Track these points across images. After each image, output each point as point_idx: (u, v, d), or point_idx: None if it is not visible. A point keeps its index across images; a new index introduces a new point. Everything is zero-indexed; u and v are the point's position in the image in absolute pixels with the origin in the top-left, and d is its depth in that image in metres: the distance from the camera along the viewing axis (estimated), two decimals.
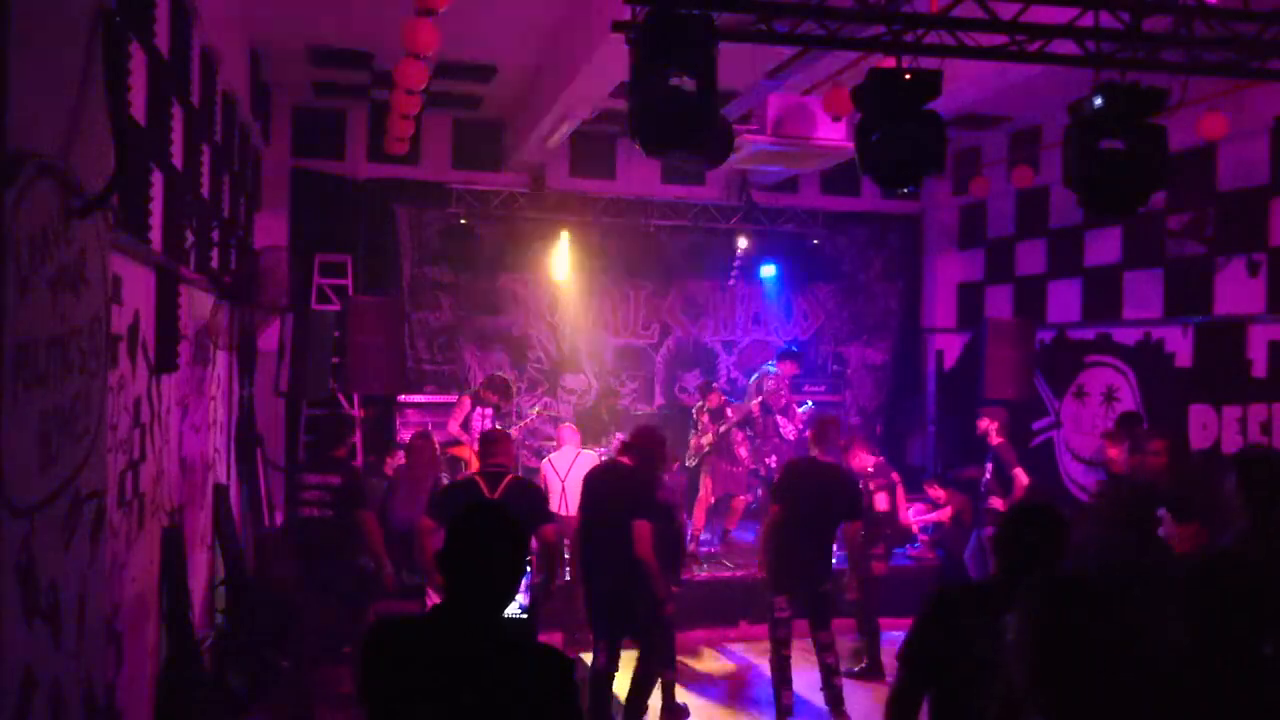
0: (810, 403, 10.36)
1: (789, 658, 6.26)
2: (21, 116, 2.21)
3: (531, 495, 5.75)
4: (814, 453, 6.48)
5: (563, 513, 7.82)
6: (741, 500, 9.64)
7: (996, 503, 7.83)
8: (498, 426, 9.62)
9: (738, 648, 7.83)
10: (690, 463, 9.64)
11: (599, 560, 5.76)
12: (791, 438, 9.74)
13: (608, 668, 5.80)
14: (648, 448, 5.84)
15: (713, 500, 9.58)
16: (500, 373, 10.14)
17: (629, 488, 5.73)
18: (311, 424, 10.06)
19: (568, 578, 6.33)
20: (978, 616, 2.95)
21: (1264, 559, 2.57)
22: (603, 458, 9.17)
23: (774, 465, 9.77)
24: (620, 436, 10.54)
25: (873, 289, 12.37)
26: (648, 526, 5.60)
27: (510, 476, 5.74)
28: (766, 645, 7.80)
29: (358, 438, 9.93)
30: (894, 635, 2.80)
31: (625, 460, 5.91)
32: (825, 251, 12.12)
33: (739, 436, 9.75)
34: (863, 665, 7.18)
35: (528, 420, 10.33)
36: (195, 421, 6.07)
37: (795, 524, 6.24)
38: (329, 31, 7.95)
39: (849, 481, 6.55)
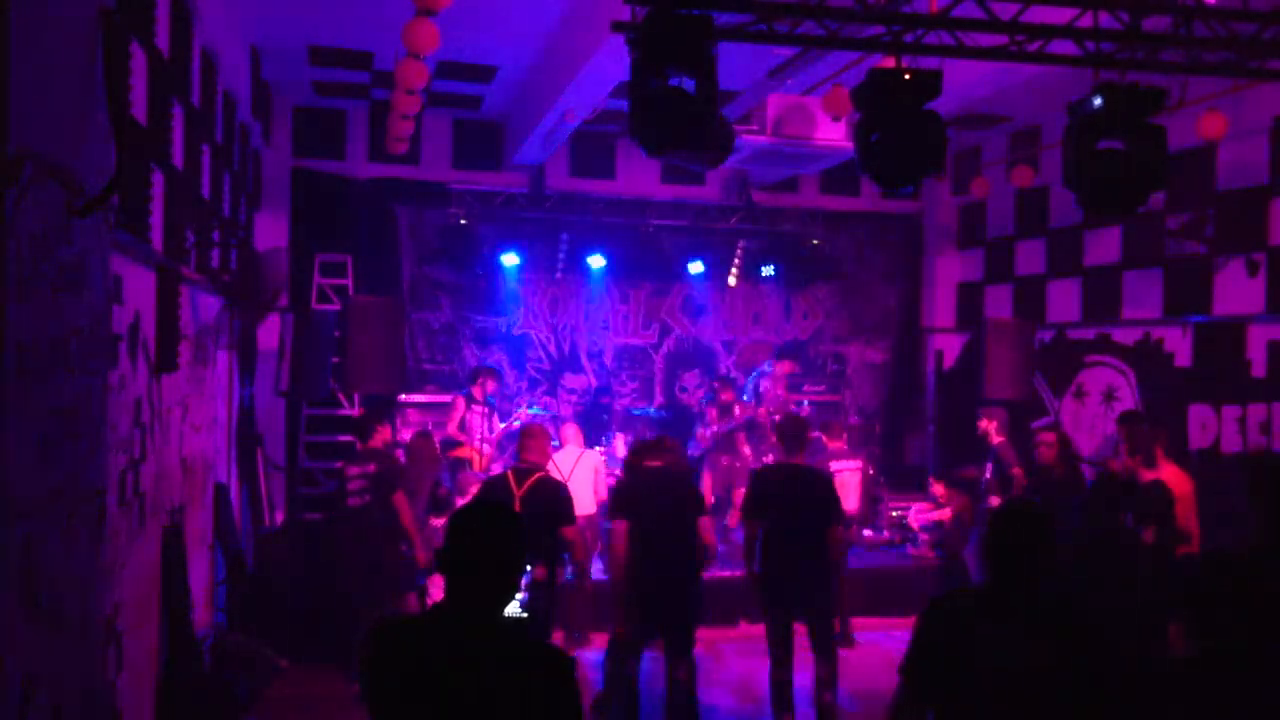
0: (806, 403, 10.37)
1: (789, 682, 5.87)
2: (22, 116, 2.21)
3: (554, 495, 5.81)
4: (784, 456, 6.07)
5: None
6: (741, 492, 9.64)
7: (996, 502, 7.84)
8: (495, 420, 9.64)
9: (737, 647, 7.83)
10: (694, 453, 9.63)
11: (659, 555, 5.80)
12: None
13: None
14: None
15: (712, 500, 9.58)
16: (481, 364, 10.22)
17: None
18: (312, 424, 10.07)
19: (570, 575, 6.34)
20: (979, 624, 2.92)
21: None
22: (603, 455, 9.20)
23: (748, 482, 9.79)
24: (621, 435, 10.58)
25: (873, 289, 12.37)
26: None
27: (538, 475, 5.82)
28: (761, 644, 7.82)
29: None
30: (900, 635, 2.80)
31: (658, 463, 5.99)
32: (825, 251, 12.11)
33: (742, 435, 9.76)
34: None
35: (519, 416, 10.31)
36: (195, 421, 6.07)
37: (781, 539, 5.82)
38: (329, 31, 7.95)
39: (827, 481, 6.10)
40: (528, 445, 6.00)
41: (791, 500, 5.83)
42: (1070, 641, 2.87)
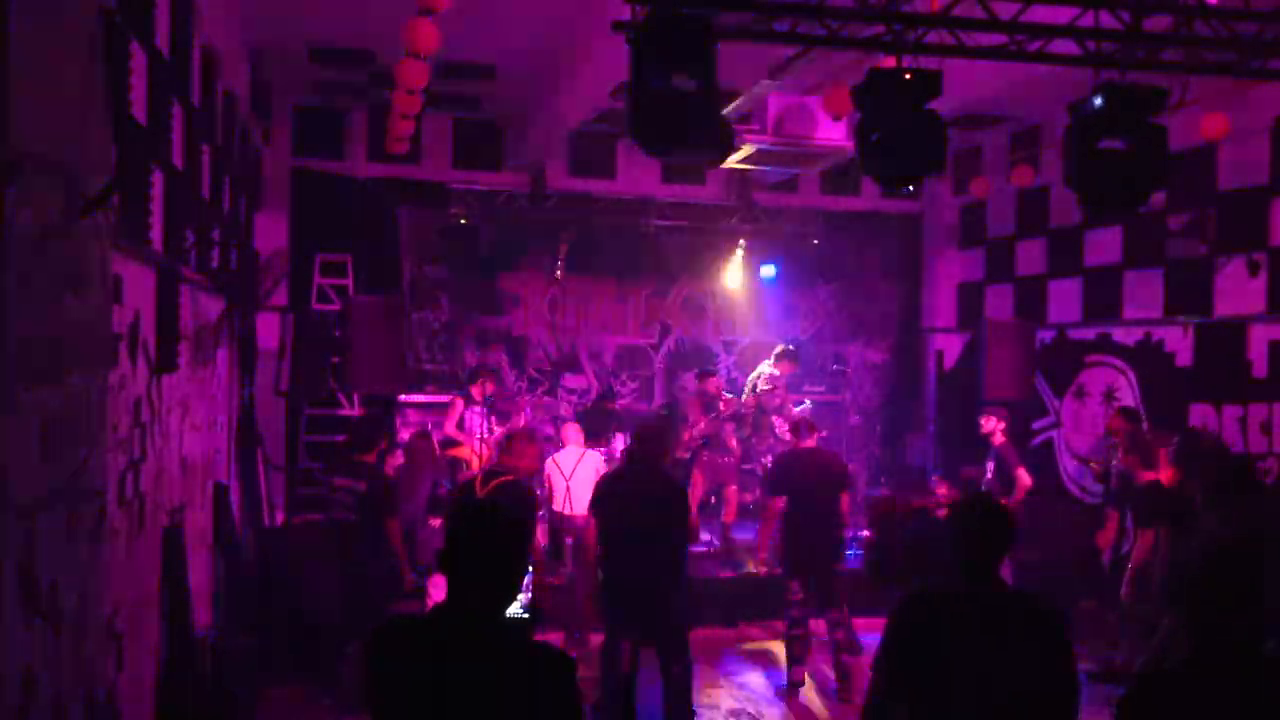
0: (808, 402, 10.36)
1: (800, 636, 6.76)
2: (22, 116, 2.21)
3: (517, 500, 5.61)
4: (795, 443, 7.08)
5: (568, 511, 7.81)
6: (733, 489, 9.62)
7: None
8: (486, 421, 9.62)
9: (737, 648, 7.83)
10: (683, 455, 9.57)
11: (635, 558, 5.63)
12: (788, 438, 9.73)
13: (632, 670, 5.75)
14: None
15: (702, 494, 9.53)
16: (480, 365, 10.21)
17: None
18: (312, 424, 10.07)
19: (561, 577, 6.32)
20: (947, 622, 2.96)
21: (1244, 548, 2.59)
22: (602, 455, 9.20)
23: (768, 464, 9.78)
24: (621, 436, 10.58)
25: (873, 289, 12.37)
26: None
27: (505, 478, 5.67)
28: (766, 645, 7.81)
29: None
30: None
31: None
32: (825, 251, 12.12)
33: (729, 428, 9.74)
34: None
35: (518, 419, 10.29)
36: (195, 421, 6.06)
37: (798, 509, 6.72)
38: (329, 31, 7.95)
39: (836, 458, 7.18)
40: (510, 448, 5.84)
41: (804, 475, 6.79)
42: (1034, 637, 2.93)
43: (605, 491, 5.76)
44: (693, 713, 5.76)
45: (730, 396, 10.08)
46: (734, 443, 9.75)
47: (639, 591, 5.55)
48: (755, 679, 7.22)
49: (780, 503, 6.85)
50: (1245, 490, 4.72)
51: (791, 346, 10.32)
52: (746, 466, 10.33)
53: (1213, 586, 2.48)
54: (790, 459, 7.09)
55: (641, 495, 5.59)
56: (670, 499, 5.63)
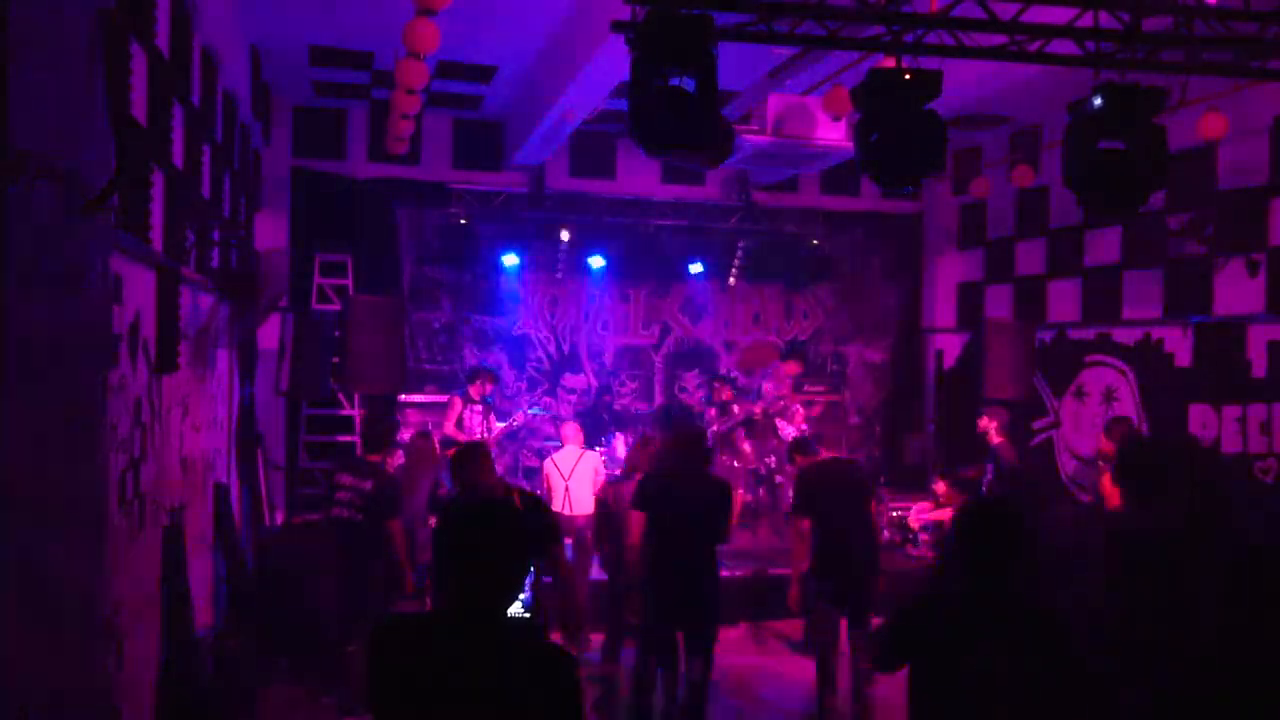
0: (813, 403, 10.38)
1: (834, 660, 6.23)
2: (22, 117, 2.21)
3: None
4: (823, 453, 6.63)
5: (567, 512, 7.81)
6: (739, 494, 9.63)
7: None
8: (497, 423, 9.62)
9: (736, 646, 7.83)
10: None
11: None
12: (790, 439, 9.74)
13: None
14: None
15: None
16: (479, 365, 10.20)
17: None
18: (312, 424, 10.07)
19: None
20: (957, 630, 2.96)
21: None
22: (602, 455, 9.20)
23: (773, 465, 9.79)
24: (621, 436, 10.58)
25: (873, 289, 12.37)
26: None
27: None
28: (769, 645, 7.81)
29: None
30: None
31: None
32: (825, 251, 12.12)
33: (740, 432, 9.76)
34: None
35: (517, 417, 10.26)
36: (196, 421, 6.06)
37: (829, 521, 6.22)
38: (329, 31, 7.95)
39: (860, 468, 6.86)
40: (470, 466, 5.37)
41: (832, 490, 6.27)
42: (1043, 643, 2.90)
43: (656, 487, 5.72)
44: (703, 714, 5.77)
45: (741, 401, 10.09)
46: (747, 447, 9.74)
47: (685, 586, 5.55)
48: (754, 678, 7.22)
49: (807, 522, 6.26)
50: (1153, 480, 4.70)
51: (797, 347, 10.34)
52: (749, 467, 10.34)
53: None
54: (815, 472, 6.47)
55: (694, 492, 5.60)
56: (720, 497, 5.68)
